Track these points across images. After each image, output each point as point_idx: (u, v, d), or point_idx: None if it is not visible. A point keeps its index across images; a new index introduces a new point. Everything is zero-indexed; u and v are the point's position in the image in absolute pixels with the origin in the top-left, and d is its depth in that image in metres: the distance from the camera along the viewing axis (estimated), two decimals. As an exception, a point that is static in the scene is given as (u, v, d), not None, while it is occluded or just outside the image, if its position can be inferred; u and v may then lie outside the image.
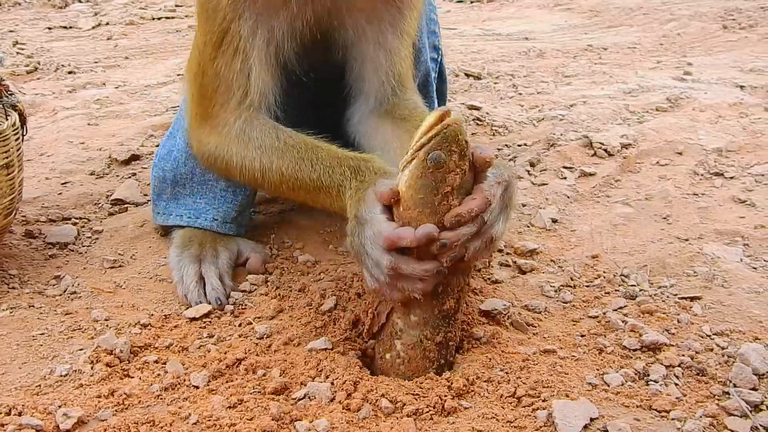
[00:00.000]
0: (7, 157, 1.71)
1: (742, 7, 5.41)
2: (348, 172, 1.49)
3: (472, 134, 2.78)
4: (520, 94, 3.33)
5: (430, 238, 1.24)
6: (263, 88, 1.68)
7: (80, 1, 7.15)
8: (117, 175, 2.45)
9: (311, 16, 1.65)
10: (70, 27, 5.83)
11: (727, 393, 1.33)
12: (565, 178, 2.42)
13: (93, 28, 5.74)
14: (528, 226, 2.13)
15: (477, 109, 2.95)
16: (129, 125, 2.94)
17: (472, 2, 7.46)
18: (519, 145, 2.66)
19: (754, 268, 1.82)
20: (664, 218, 2.12)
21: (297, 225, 2.12)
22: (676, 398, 1.33)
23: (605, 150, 2.54)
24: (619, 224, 2.11)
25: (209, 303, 1.66)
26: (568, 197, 2.30)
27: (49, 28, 5.77)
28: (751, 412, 1.28)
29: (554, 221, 2.14)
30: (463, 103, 3.05)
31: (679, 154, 2.51)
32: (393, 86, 1.80)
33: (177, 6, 6.48)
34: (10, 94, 1.87)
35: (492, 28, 5.78)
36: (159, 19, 5.99)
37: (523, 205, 2.25)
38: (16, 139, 1.77)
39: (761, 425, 1.24)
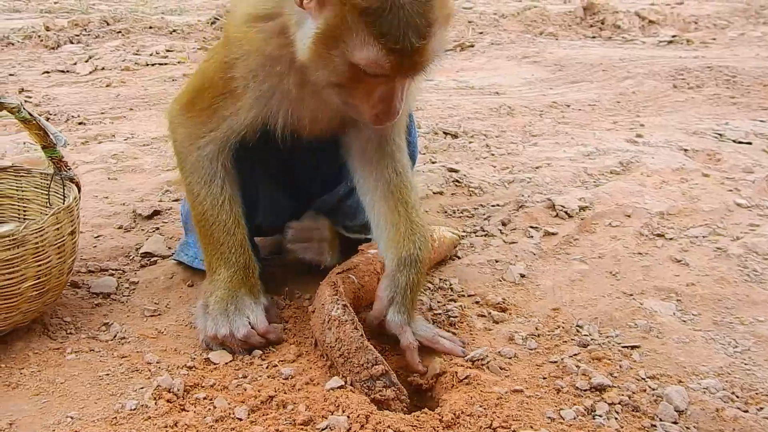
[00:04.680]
0: (72, 225, 2.06)
1: (690, 67, 5.94)
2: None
3: (452, 194, 3.18)
4: (493, 154, 3.75)
5: None
6: (240, 136, 2.08)
7: (72, 42, 7.47)
8: (142, 229, 2.80)
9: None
10: (67, 71, 6.13)
11: (654, 425, 1.73)
12: (531, 237, 2.82)
13: (90, 73, 6.06)
14: (500, 281, 2.52)
15: (456, 171, 3.36)
16: (145, 180, 3.29)
17: (445, 51, 7.93)
18: (492, 206, 3.06)
19: (684, 321, 2.23)
20: (614, 275, 2.53)
21: (303, 278, 2.47)
22: (615, 430, 1.72)
23: (566, 212, 2.95)
24: (576, 280, 2.51)
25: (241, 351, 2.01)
26: (534, 254, 2.70)
27: (47, 72, 6.06)
28: (671, 439, 1.68)
29: (522, 276, 2.54)
30: (444, 165, 3.46)
31: (628, 216, 2.93)
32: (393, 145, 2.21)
33: (168, 51, 6.84)
34: (68, 169, 2.21)
35: (465, 79, 6.23)
36: (152, 65, 6.33)
37: (496, 261, 2.64)
38: (77, 209, 2.12)
39: (678, 450, 1.64)
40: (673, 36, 8.88)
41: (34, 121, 2.07)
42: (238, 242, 2.12)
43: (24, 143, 3.72)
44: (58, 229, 2.00)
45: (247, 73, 1.96)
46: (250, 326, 2.00)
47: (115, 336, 2.10)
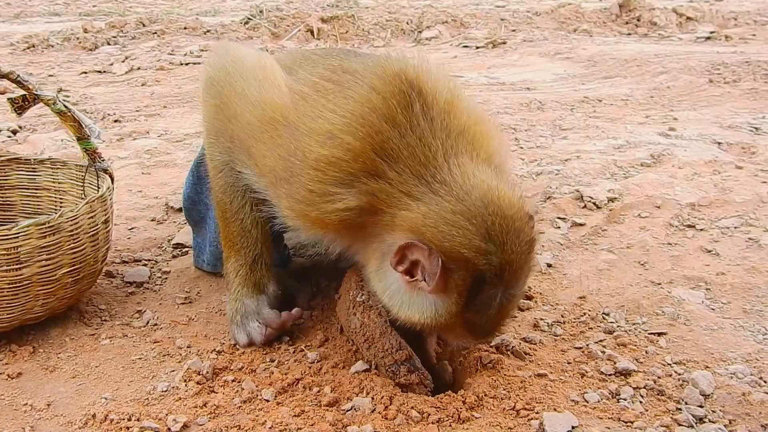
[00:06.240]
0: (105, 214, 2.12)
1: (728, 62, 5.85)
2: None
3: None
4: (522, 147, 3.74)
5: None
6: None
7: (109, 44, 7.63)
8: (174, 222, 2.86)
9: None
10: (104, 71, 6.27)
11: (680, 409, 1.72)
12: (559, 227, 2.81)
13: (126, 72, 6.19)
14: (527, 270, 2.52)
15: (483, 163, 3.36)
16: (178, 174, 3.35)
17: (477, 48, 7.92)
18: (520, 197, 3.06)
19: (713, 309, 2.21)
20: (642, 264, 2.51)
21: (331, 268, 2.50)
22: (640, 412, 1.71)
23: (594, 203, 2.94)
24: (603, 269, 2.50)
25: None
26: (561, 244, 2.69)
27: (85, 73, 6.20)
28: (696, 423, 1.66)
29: (549, 265, 2.54)
30: (471, 157, 3.46)
31: (658, 207, 2.90)
32: None
33: (202, 51, 6.94)
34: (102, 160, 2.28)
35: (497, 76, 6.22)
36: (186, 64, 6.44)
37: (523, 252, 2.64)
38: (110, 198, 2.18)
39: (702, 433, 1.63)
40: (711, 32, 8.73)
41: (69, 113, 2.14)
42: (253, 239, 2.09)
43: (62, 140, 3.82)
44: (92, 217, 2.06)
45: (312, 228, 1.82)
46: (265, 326, 2.01)
47: (147, 323, 2.15)
